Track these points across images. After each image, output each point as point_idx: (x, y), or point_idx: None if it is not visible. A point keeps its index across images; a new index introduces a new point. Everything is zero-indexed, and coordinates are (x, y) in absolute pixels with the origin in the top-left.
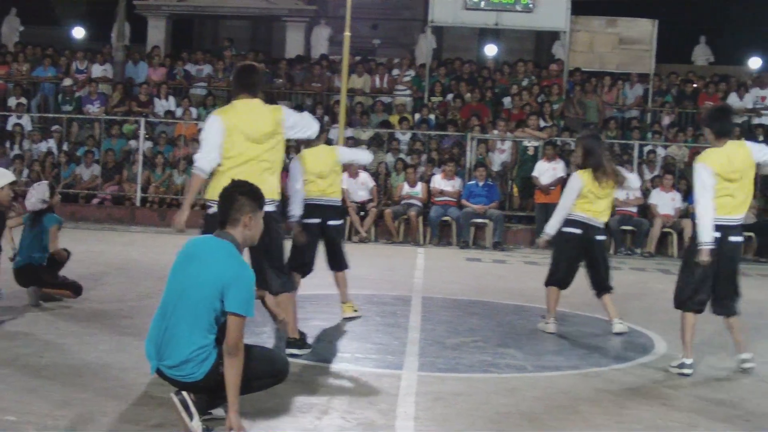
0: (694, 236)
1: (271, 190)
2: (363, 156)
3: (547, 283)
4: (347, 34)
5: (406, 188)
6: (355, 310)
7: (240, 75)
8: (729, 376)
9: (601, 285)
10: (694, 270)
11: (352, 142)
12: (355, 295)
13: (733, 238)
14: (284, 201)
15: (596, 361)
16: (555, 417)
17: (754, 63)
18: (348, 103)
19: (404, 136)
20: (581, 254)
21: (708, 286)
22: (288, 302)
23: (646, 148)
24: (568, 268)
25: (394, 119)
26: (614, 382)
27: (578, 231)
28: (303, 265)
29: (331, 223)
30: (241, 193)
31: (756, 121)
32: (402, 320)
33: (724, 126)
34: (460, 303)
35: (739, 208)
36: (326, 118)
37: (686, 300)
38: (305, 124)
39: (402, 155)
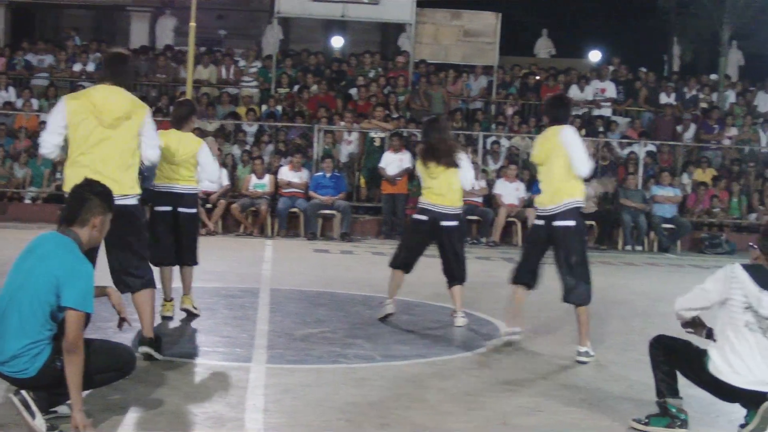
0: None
1: (129, 184)
2: (211, 173)
3: (391, 265)
4: (193, 24)
5: (253, 180)
6: (195, 307)
7: (109, 62)
8: (572, 362)
9: (450, 274)
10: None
11: (198, 133)
12: (203, 289)
13: (556, 223)
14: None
15: (443, 349)
16: (403, 405)
17: (594, 56)
18: (194, 94)
19: (251, 128)
20: (427, 240)
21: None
22: (148, 300)
23: (490, 139)
24: (409, 252)
25: (240, 111)
26: (461, 370)
27: (424, 218)
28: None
29: (182, 210)
30: (94, 193)
31: (596, 112)
32: (250, 313)
33: (560, 114)
34: (308, 294)
35: (546, 196)
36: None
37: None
38: (148, 144)
39: (248, 147)
